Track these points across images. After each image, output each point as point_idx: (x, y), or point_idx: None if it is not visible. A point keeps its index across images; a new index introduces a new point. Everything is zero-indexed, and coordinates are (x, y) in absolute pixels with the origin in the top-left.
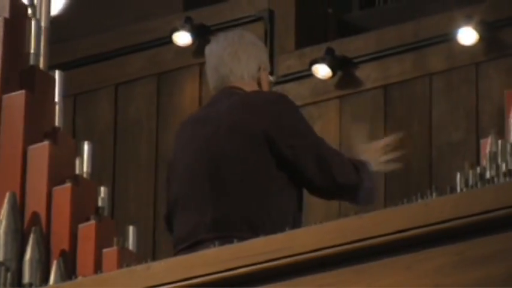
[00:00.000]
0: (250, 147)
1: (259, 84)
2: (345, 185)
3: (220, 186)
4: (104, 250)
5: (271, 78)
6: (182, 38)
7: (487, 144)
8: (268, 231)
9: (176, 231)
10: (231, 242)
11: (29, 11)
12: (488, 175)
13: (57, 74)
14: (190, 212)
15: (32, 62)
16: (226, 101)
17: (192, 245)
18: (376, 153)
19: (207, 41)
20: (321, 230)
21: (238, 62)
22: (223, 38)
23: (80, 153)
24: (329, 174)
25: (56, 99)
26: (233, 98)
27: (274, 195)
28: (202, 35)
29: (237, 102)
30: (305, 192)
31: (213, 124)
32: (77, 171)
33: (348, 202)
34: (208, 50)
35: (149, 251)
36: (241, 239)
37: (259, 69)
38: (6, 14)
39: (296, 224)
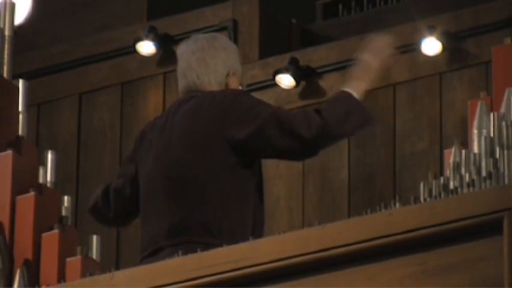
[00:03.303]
0: (204, 152)
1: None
2: (315, 134)
3: (177, 193)
4: (68, 259)
5: (241, 83)
6: (146, 47)
7: (451, 155)
8: (225, 235)
9: (142, 239)
10: (189, 247)
11: None
12: (451, 185)
13: (20, 83)
14: (151, 220)
15: None
16: (183, 107)
17: (152, 252)
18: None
19: (171, 51)
20: (284, 240)
21: (206, 67)
22: (194, 41)
23: (43, 163)
24: (295, 134)
25: (20, 109)
26: (190, 103)
27: (230, 198)
28: (166, 44)
29: (191, 107)
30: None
31: (168, 131)
32: (41, 180)
33: (339, 140)
34: (179, 52)
35: (113, 261)
36: (199, 243)
37: (227, 74)
38: None
39: (256, 221)
